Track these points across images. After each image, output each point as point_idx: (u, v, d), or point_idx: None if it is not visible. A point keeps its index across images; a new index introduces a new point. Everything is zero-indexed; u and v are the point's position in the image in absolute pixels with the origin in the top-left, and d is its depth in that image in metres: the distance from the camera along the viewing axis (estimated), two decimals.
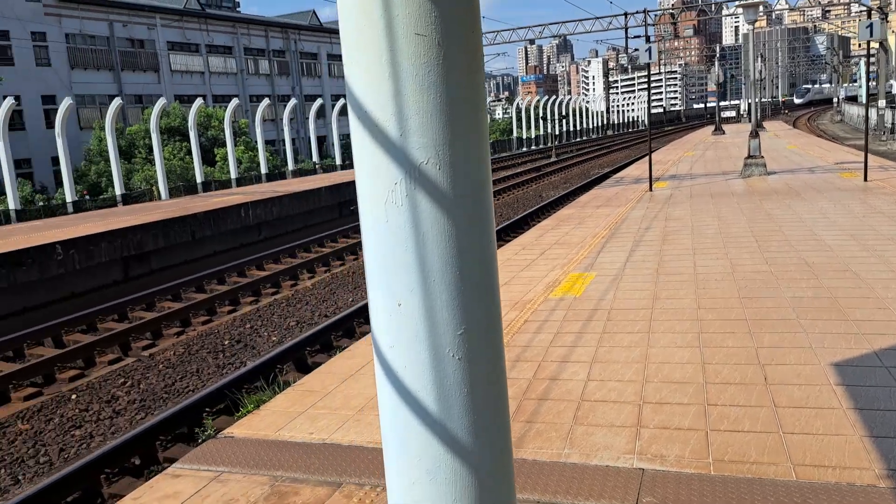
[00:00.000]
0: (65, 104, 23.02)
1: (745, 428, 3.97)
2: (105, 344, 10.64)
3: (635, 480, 3.48)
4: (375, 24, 1.59)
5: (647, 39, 47.32)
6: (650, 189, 15.69)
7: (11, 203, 21.58)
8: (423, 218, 1.63)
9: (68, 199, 23.63)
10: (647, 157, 26.38)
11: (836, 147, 28.37)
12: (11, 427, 8.24)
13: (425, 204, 1.63)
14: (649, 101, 16.25)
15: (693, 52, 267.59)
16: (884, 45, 38.13)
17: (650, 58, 14.17)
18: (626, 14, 47.12)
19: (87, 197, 30.23)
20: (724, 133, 41.44)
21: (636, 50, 53.76)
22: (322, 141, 51.20)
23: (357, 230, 20.16)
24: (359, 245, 17.84)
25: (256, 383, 8.71)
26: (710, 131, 46.57)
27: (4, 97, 23.63)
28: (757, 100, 19.04)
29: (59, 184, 38.88)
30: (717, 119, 45.23)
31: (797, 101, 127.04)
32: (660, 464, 3.64)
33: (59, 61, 44.48)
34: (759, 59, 47.56)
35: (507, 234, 18.06)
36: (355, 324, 10.80)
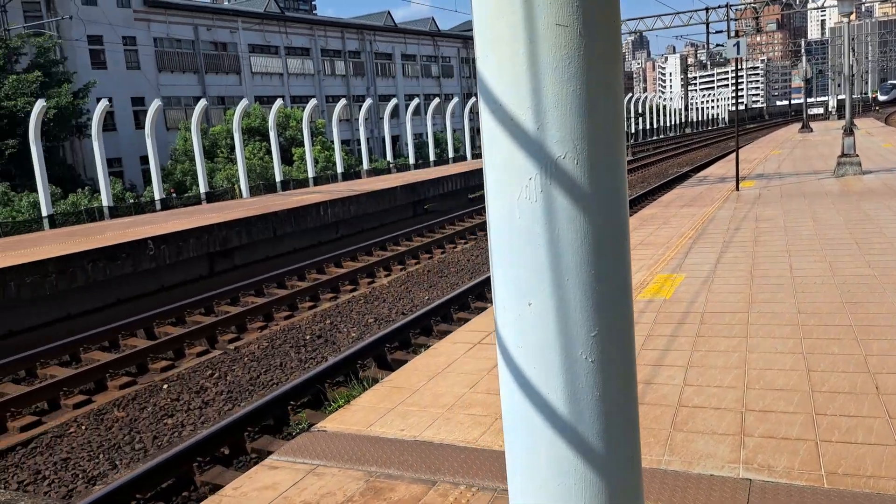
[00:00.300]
0: (154, 106, 23.99)
1: (859, 439, 3.75)
2: (193, 336, 11.01)
3: (743, 491, 3.34)
4: (514, 16, 1.54)
5: (729, 34, 45.85)
6: (737, 188, 15.13)
7: (105, 200, 22.64)
8: (557, 215, 1.58)
9: (156, 196, 24.62)
10: (732, 156, 25.50)
11: None
12: (109, 414, 8.63)
13: (561, 200, 1.58)
14: (737, 98, 15.68)
15: (776, 48, 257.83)
16: None
17: (738, 52, 13.67)
18: (707, 9, 45.79)
19: (174, 195, 31.45)
20: (811, 130, 39.73)
21: (720, 45, 52.03)
22: (395, 140, 51.80)
23: (431, 229, 20.25)
24: (433, 244, 17.91)
25: (339, 378, 8.87)
26: (795, 129, 44.75)
27: (98, 100, 24.82)
28: (850, 96, 18.15)
29: (147, 182, 40.62)
30: (804, 116, 43.38)
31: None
32: (768, 474, 3.48)
33: (148, 64, 46.46)
34: (851, 53, 45.33)
35: None
36: (432, 322, 10.84)
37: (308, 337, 11.29)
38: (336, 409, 4.79)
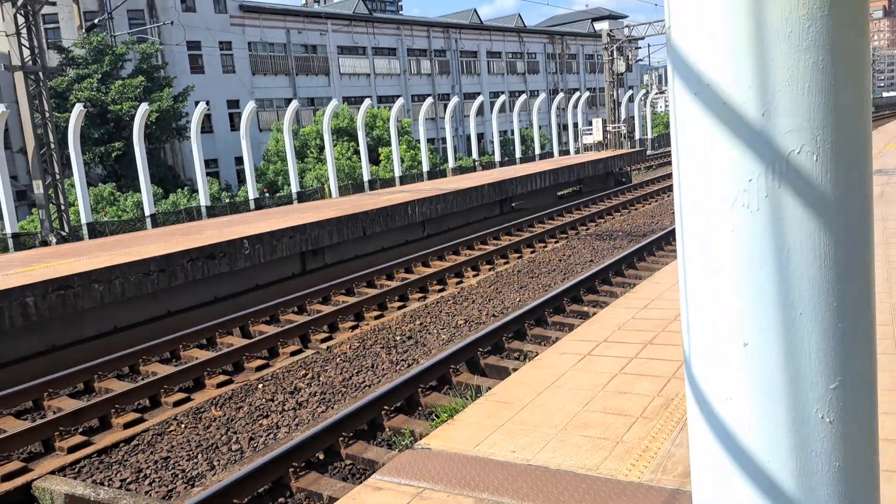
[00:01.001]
0: (249, 108, 24.56)
1: None
2: (287, 335, 11.03)
3: None
4: None
5: None
6: None
7: (203, 200, 23.34)
8: (789, 227, 1.20)
9: (251, 196, 25.22)
10: None
11: None
12: (206, 412, 8.68)
13: (793, 208, 1.19)
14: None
15: (883, 36, 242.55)
16: None
17: None
18: None
19: (267, 194, 32.23)
20: None
21: None
22: (480, 138, 51.48)
23: (519, 228, 19.81)
24: (523, 242, 17.47)
25: (432, 383, 8.63)
26: None
27: (196, 103, 25.63)
28: None
29: (242, 182, 41.90)
30: None
31: None
32: None
33: (243, 68, 47.91)
34: None
35: None
36: (526, 326, 10.45)
37: (398, 338, 11.13)
38: (439, 425, 4.50)
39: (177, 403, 8.96)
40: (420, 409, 8.10)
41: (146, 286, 11.72)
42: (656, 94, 77.34)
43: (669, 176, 30.77)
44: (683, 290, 1.35)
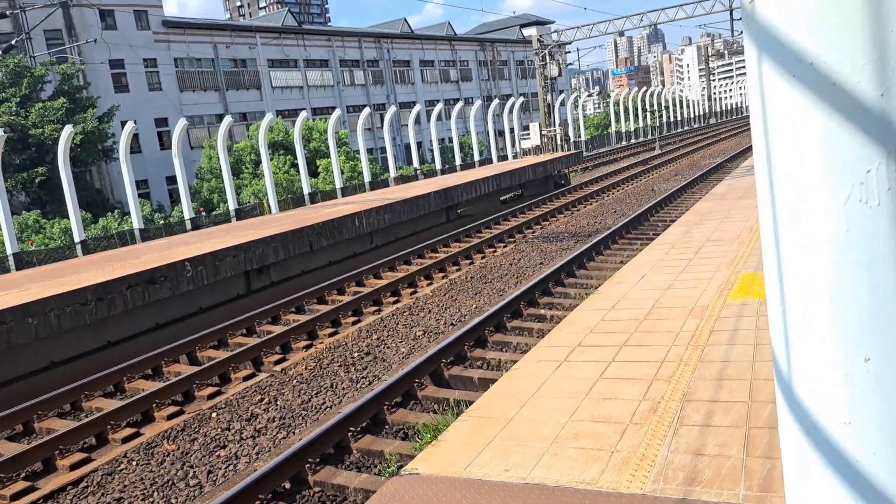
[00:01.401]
0: (180, 125, 23.78)
1: None
2: (238, 360, 10.60)
3: None
4: None
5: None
6: None
7: (135, 223, 22.43)
8: None
9: (186, 216, 24.39)
10: None
11: None
12: (159, 447, 8.21)
13: None
14: None
15: None
16: None
17: None
18: None
19: (203, 213, 31.31)
20: None
21: (742, 32, 51.09)
22: (418, 146, 51.36)
23: (467, 234, 19.72)
24: (473, 248, 17.35)
25: (397, 399, 8.37)
26: None
27: (123, 123, 24.68)
28: None
29: (175, 201, 40.64)
30: None
31: None
32: None
33: (170, 85, 46.59)
34: None
35: (628, 230, 17.19)
36: (486, 333, 10.31)
37: (356, 354, 10.83)
38: (424, 446, 4.27)
39: (126, 439, 8.46)
40: (387, 427, 7.84)
41: (84, 317, 11.10)
42: (586, 97, 78.85)
43: (607, 176, 31.26)
44: (778, 299, 1.18)
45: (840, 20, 1.02)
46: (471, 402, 7.89)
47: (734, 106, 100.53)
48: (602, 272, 13.49)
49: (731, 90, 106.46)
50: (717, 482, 3.37)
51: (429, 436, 4.41)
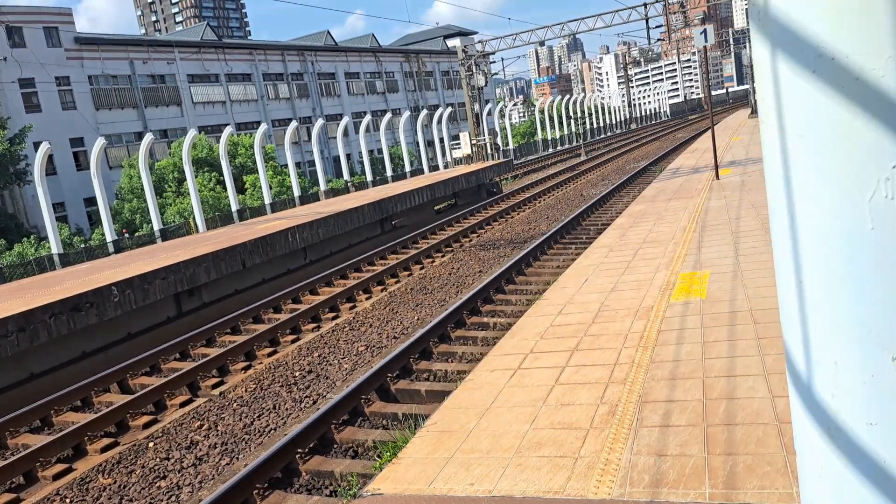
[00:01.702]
0: (98, 144, 22.84)
1: None
2: (173, 385, 10.19)
3: None
4: None
5: (669, 29, 46.52)
6: (717, 177, 14.93)
7: (54, 248, 21.40)
8: None
9: (108, 238, 23.42)
10: (689, 147, 25.54)
11: None
12: (94, 482, 7.79)
13: None
14: (708, 84, 15.49)
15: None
16: None
17: (706, 41, 13.49)
18: (645, 4, 46.44)
19: (126, 235, 30.16)
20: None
21: (660, 39, 52.92)
22: (347, 158, 50.96)
23: (404, 245, 19.62)
24: (410, 260, 17.26)
25: (344, 417, 8.19)
26: (743, 115, 45.60)
27: (36, 145, 23.55)
28: None
29: (94, 223, 39.01)
30: (752, 101, 44.45)
31: None
32: None
33: (85, 103, 44.81)
34: None
35: (563, 235, 17.45)
36: (431, 344, 10.23)
37: (297, 373, 10.57)
38: (385, 465, 4.15)
39: (57, 476, 7.98)
40: (336, 446, 7.66)
41: (5, 349, 10.46)
42: (511, 105, 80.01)
43: (537, 183, 31.72)
44: (795, 300, 1.15)
45: (864, 12, 1.00)
46: (420, 416, 7.81)
47: (653, 111, 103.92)
48: (541, 277, 13.62)
49: (649, 96, 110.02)
50: (683, 482, 3.39)
51: (388, 453, 4.29)
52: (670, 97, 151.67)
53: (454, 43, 65.58)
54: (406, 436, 4.85)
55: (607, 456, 3.77)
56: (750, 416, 3.94)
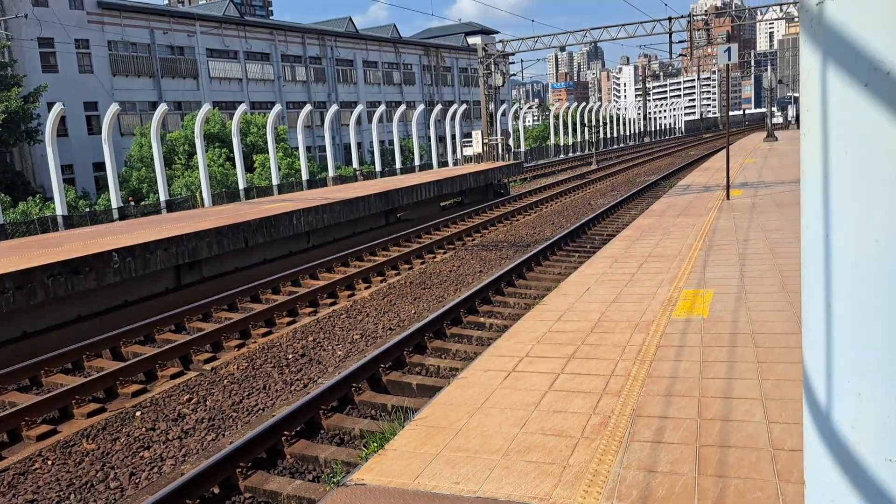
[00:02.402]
0: (112, 110, 22.81)
1: None
2: (165, 357, 10.16)
3: None
4: None
5: (691, 45, 46.34)
6: (727, 197, 14.85)
7: (59, 209, 21.39)
8: None
9: (114, 204, 23.41)
10: (702, 165, 25.46)
11: None
12: (77, 446, 7.76)
13: None
14: (728, 102, 15.40)
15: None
16: None
17: (729, 59, 13.42)
18: (670, 19, 46.31)
19: (132, 203, 30.15)
20: (776, 139, 40.30)
21: (682, 54, 52.63)
22: (358, 147, 50.91)
23: (407, 239, 19.58)
24: (413, 254, 17.22)
25: (333, 403, 8.16)
26: (757, 137, 45.44)
27: (49, 105, 23.52)
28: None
29: (101, 189, 38.99)
30: (768, 125, 44.23)
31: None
32: None
33: (102, 68, 44.80)
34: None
35: (567, 242, 17.38)
36: (426, 339, 10.19)
37: (290, 356, 10.54)
38: (371, 455, 4.11)
39: (41, 437, 7.95)
40: (322, 432, 7.63)
41: (0, 306, 10.44)
42: (526, 108, 79.87)
43: (546, 188, 31.62)
44: (822, 322, 1.10)
45: None
46: (409, 409, 7.78)
47: (668, 126, 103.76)
48: (541, 283, 13.57)
49: (665, 111, 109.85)
50: (672, 501, 3.35)
51: (375, 445, 4.25)
52: (686, 113, 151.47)
53: (475, 41, 65.49)
54: (394, 428, 4.81)
55: (596, 467, 3.73)
56: (744, 440, 3.89)
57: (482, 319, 11.31)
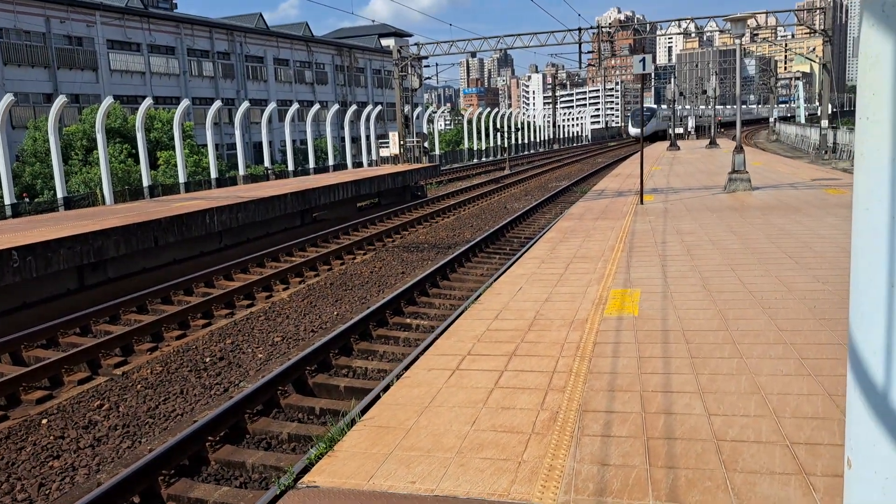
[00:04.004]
0: (5, 101, 21.35)
1: None
2: (72, 361, 9.58)
3: None
4: None
5: (599, 56, 47.89)
6: (641, 202, 15.40)
7: None
8: None
9: (7, 201, 21.90)
10: (611, 171, 26.36)
11: (800, 164, 29.03)
12: None
13: None
14: (642, 110, 15.96)
15: (629, 71, 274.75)
16: (827, 68, 39.52)
17: (644, 69, 13.92)
18: (580, 30, 47.66)
19: (27, 200, 28.32)
20: (678, 148, 42.13)
21: (591, 64, 54.34)
22: (269, 146, 49.68)
23: (325, 239, 19.25)
24: (332, 254, 16.93)
25: (258, 407, 7.90)
26: (661, 147, 47.40)
27: None
28: (740, 116, 19.06)
29: None
30: (672, 135, 46.24)
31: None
32: None
33: None
34: (715, 76, 48.71)
35: (487, 245, 17.56)
36: (352, 340, 10.04)
37: (208, 359, 10.15)
38: (320, 457, 3.98)
39: None
40: (248, 436, 7.38)
41: None
42: (441, 112, 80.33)
43: (463, 191, 31.87)
44: (883, 301, 1.12)
45: None
46: (338, 412, 7.63)
47: (576, 134, 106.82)
48: (465, 284, 13.64)
49: (573, 119, 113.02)
50: (627, 492, 3.40)
51: (323, 446, 4.12)
52: (592, 122, 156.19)
53: (389, 42, 65.29)
54: (330, 431, 4.68)
55: (551, 462, 3.75)
56: (688, 432, 4.01)
57: (408, 321, 11.25)
